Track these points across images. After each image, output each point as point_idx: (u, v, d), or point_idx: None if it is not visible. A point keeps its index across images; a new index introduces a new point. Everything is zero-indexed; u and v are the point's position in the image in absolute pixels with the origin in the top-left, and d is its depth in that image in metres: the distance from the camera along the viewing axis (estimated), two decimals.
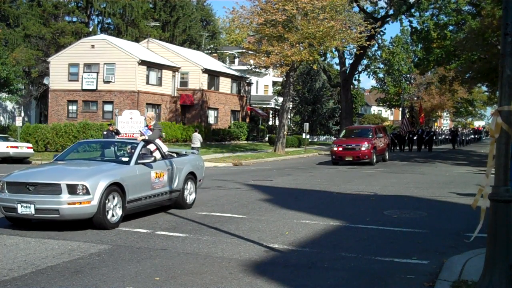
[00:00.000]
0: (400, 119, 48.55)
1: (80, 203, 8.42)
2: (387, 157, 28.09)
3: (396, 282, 6.00)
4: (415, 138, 41.21)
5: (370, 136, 25.96)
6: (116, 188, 8.93)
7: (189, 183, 11.30)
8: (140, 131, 12.57)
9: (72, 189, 8.44)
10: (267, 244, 7.81)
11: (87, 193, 8.45)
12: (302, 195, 13.90)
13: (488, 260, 4.97)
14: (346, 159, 25.01)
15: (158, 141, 11.46)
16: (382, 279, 6.11)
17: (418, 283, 5.95)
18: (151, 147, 10.86)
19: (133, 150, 10.19)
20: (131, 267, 6.54)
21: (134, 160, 9.77)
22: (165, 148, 11.47)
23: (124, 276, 6.16)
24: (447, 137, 57.92)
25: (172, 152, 11.84)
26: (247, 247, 7.65)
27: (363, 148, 24.82)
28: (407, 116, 46.99)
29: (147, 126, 12.68)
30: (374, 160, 25.18)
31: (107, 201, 8.71)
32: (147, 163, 9.89)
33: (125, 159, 10.08)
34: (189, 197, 11.33)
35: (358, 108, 76.74)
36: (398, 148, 40.55)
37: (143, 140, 11.03)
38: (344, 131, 29.33)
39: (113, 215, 8.89)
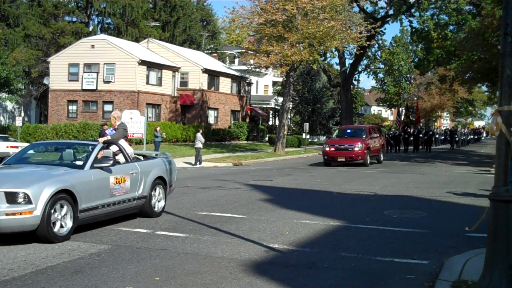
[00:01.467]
0: (394, 118, 48.15)
1: (21, 213, 7.38)
2: (382, 158, 27.15)
3: (396, 282, 6.00)
4: (411, 138, 40.19)
5: (364, 136, 25.16)
6: (65, 196, 7.88)
7: (157, 189, 10.27)
8: (104, 131, 11.12)
9: (11, 198, 7.43)
10: (267, 244, 7.81)
11: (29, 202, 7.43)
12: (302, 195, 13.90)
13: (488, 260, 4.97)
14: (339, 159, 24.24)
15: (123, 142, 10.38)
16: (382, 279, 6.11)
17: (418, 283, 5.95)
18: (114, 149, 9.84)
19: (89, 153, 9.14)
20: (131, 267, 6.54)
21: (90, 164, 8.73)
22: (130, 150, 10.42)
23: (124, 276, 6.16)
24: (444, 137, 56.69)
25: (139, 155, 10.92)
26: (247, 247, 7.65)
27: (356, 149, 24.02)
28: (401, 116, 46.08)
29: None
30: (368, 161, 24.45)
31: (53, 211, 7.68)
32: (105, 167, 8.83)
33: (79, 162, 8.97)
34: (158, 205, 10.26)
35: (358, 108, 76.73)
36: (393, 148, 39.47)
37: (105, 141, 9.98)
38: (337, 131, 28.39)
39: (61, 226, 7.89)
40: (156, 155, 11.70)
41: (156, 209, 10.19)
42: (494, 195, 4.96)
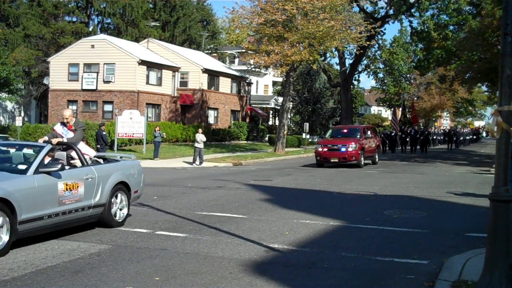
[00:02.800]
0: (390, 118, 47.05)
1: None
2: (377, 159, 26.13)
3: (396, 282, 6.00)
4: (407, 139, 39.16)
5: (358, 136, 24.33)
6: (0, 205, 6.92)
7: (119, 195, 9.26)
8: (56, 131, 9.78)
9: None
10: (267, 244, 7.81)
11: None
12: (302, 195, 13.90)
13: (488, 260, 4.97)
14: (332, 160, 23.41)
15: (80, 144, 9.49)
16: (382, 279, 6.11)
17: (418, 283, 5.95)
18: (72, 152, 9.01)
19: (35, 156, 8.04)
20: (131, 267, 6.54)
21: (34, 169, 7.66)
22: (91, 153, 9.62)
23: (124, 276, 6.16)
24: (442, 137, 55.47)
25: (100, 157, 9.87)
26: (247, 247, 7.65)
27: (349, 149, 23.18)
28: (397, 116, 44.92)
29: (64, 124, 9.82)
30: (362, 162, 23.55)
31: None
32: (53, 171, 7.74)
33: (22, 167, 7.88)
34: (119, 213, 9.23)
35: (358, 108, 76.74)
36: (389, 149, 38.83)
37: (59, 143, 9.10)
38: (330, 130, 27.43)
39: None
40: (121, 157, 10.64)
41: (117, 217, 9.15)
42: (494, 195, 4.96)
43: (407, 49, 54.74)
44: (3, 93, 40.37)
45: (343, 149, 23.32)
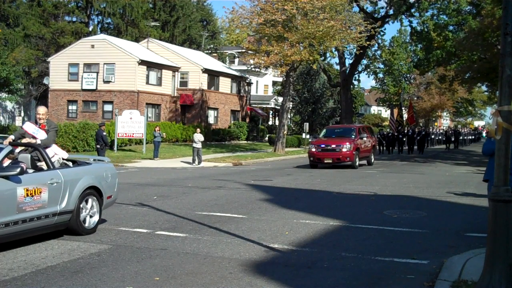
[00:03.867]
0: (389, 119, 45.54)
1: None
2: (372, 160, 25.45)
3: (396, 282, 6.00)
4: (404, 139, 38.43)
5: (353, 137, 23.57)
6: None
7: (89, 201, 8.55)
8: (26, 130, 8.86)
9: None
10: (267, 244, 7.81)
11: None
12: (302, 195, 13.90)
13: (488, 259, 4.97)
14: (325, 161, 22.75)
15: (53, 145, 8.87)
16: (382, 279, 6.11)
17: (418, 283, 5.94)
18: (51, 153, 8.51)
19: None
20: (131, 267, 6.54)
21: None
22: (64, 155, 8.98)
23: (124, 276, 6.15)
24: (439, 137, 54.25)
25: (69, 160, 9.11)
26: (247, 247, 7.65)
27: (344, 149, 22.44)
28: (395, 116, 43.99)
29: (37, 123, 8.93)
30: (357, 163, 22.92)
31: None
32: (11, 175, 6.99)
33: None
34: (89, 220, 8.52)
35: (358, 108, 76.77)
36: (386, 149, 38.15)
37: (26, 144, 8.51)
38: (324, 130, 26.60)
39: None
40: (94, 160, 9.92)
41: (87, 224, 8.43)
42: (494, 195, 4.96)
43: (406, 48, 54.75)
44: (3, 93, 40.38)
45: (338, 149, 22.60)
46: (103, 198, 8.90)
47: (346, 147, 22.53)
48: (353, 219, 9.95)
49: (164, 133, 31.76)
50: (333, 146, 22.82)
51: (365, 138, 24.57)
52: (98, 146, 24.29)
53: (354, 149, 22.68)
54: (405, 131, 39.21)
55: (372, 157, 25.60)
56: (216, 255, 7.17)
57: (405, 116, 46.04)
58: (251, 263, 6.75)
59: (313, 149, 23.25)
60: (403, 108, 51.98)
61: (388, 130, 44.79)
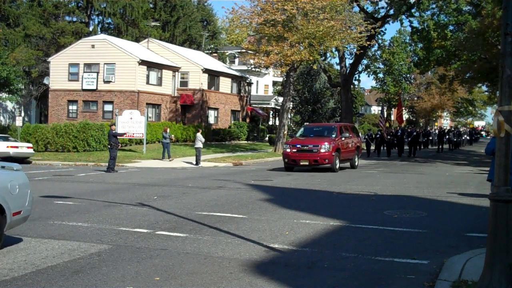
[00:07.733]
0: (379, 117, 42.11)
1: None
2: (357, 163, 23.09)
3: (396, 282, 6.00)
4: (395, 140, 34.88)
5: (333, 136, 21.32)
6: None
7: None
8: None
9: None
10: (267, 244, 7.81)
11: None
12: (302, 195, 13.90)
13: (488, 259, 4.97)
14: (301, 163, 20.51)
15: None
16: (382, 279, 6.10)
17: (418, 283, 5.94)
18: None
19: None
20: (131, 267, 6.54)
21: None
22: None
23: (124, 276, 6.16)
24: (431, 138, 48.22)
25: None
26: (247, 247, 7.65)
27: (322, 150, 20.15)
28: (385, 115, 41.06)
29: None
30: (337, 166, 20.66)
31: None
32: None
33: None
34: None
35: (358, 108, 76.74)
36: (375, 151, 35.56)
37: None
38: (302, 129, 23.82)
39: None
40: (3, 167, 7.67)
41: None
42: (494, 195, 4.96)
43: (405, 48, 54.69)
44: (3, 93, 40.38)
45: (315, 150, 20.32)
46: (6, 215, 7.02)
47: (324, 148, 20.29)
48: (354, 219, 9.95)
49: (173, 135, 31.36)
50: (310, 146, 20.58)
51: (347, 138, 22.36)
52: (110, 145, 24.28)
53: (333, 149, 20.49)
54: (394, 131, 36.23)
55: (356, 159, 23.24)
56: (217, 255, 7.17)
57: (393, 116, 44.02)
58: (252, 263, 6.75)
59: (288, 150, 20.97)
60: (392, 107, 50.05)
61: (376, 130, 42.33)
